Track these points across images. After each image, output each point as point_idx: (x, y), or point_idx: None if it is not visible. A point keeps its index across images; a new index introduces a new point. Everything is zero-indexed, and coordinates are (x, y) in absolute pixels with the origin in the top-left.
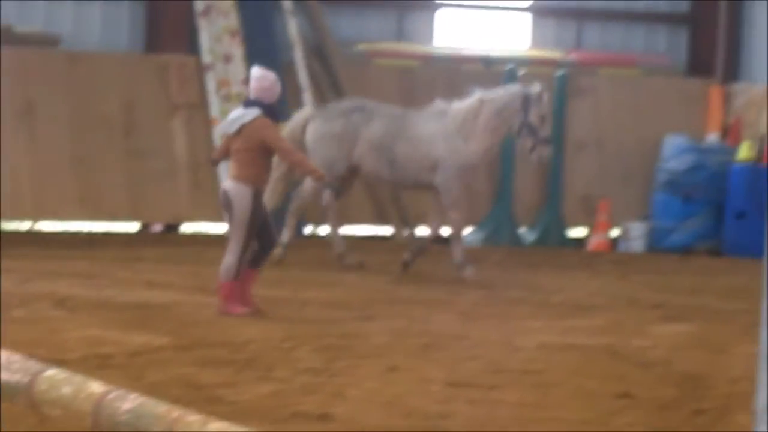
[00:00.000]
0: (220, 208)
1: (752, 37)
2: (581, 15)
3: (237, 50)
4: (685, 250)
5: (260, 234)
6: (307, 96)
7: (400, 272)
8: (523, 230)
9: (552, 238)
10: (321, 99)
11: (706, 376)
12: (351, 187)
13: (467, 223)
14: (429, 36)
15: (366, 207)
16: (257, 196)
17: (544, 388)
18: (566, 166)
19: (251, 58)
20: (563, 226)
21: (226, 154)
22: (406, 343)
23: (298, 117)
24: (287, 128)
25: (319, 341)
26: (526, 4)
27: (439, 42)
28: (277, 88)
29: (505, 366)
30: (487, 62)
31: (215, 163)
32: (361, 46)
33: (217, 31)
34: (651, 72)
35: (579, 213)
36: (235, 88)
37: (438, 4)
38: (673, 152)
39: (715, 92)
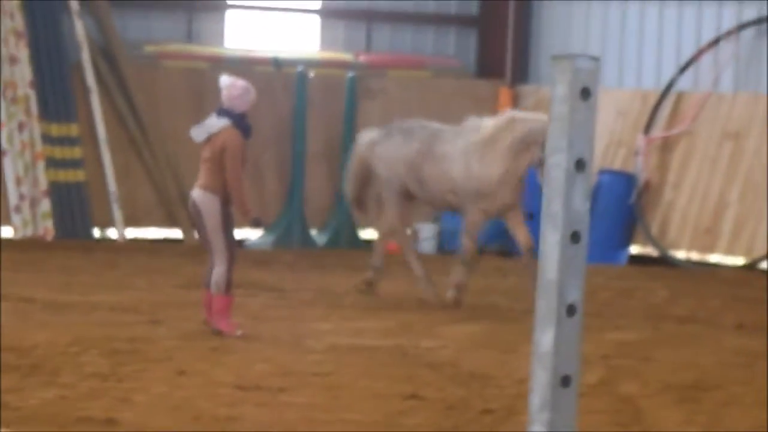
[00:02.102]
0: (191, 217)
1: (540, 39)
2: (370, 17)
3: (23, 52)
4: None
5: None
6: (95, 97)
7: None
8: (314, 232)
9: (343, 240)
10: (109, 101)
11: (494, 376)
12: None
13: (474, 253)
14: (219, 37)
15: (156, 210)
16: (225, 204)
17: (333, 390)
18: None
19: (37, 60)
20: (354, 228)
21: None
22: (195, 347)
23: (363, 140)
24: (355, 152)
25: (106, 345)
26: (316, 6)
27: (230, 43)
28: (249, 96)
29: (295, 368)
30: (278, 64)
31: None
32: (149, 48)
33: (2, 32)
34: (440, 74)
35: (371, 212)
36: (21, 91)
37: (227, 5)
38: None
39: (503, 94)
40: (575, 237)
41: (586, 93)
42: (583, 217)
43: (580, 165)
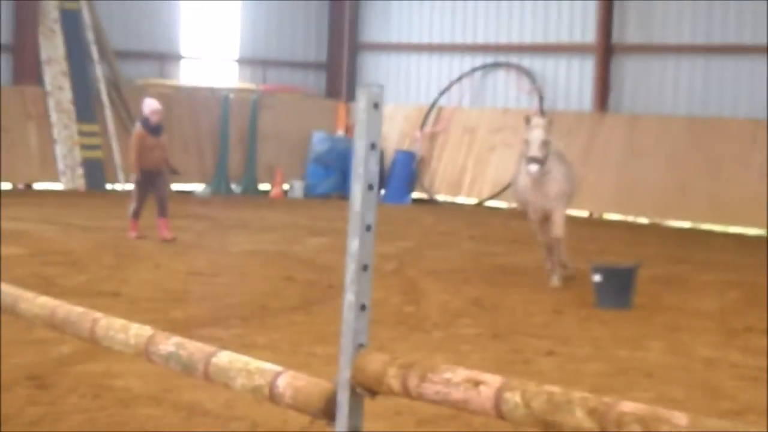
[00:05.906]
0: None
1: (363, 73)
2: (265, 62)
3: (66, 83)
4: (325, 197)
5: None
6: (107, 109)
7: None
8: (233, 185)
9: (250, 190)
10: (115, 111)
11: (337, 266)
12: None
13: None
14: (178, 75)
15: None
16: (141, 173)
17: (244, 275)
18: (258, 147)
19: (75, 87)
20: (257, 182)
21: None
22: (167, 251)
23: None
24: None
25: (114, 250)
26: (236, 57)
27: (184, 78)
28: (150, 107)
29: (221, 262)
30: (213, 90)
31: None
32: (139, 81)
33: (55, 73)
34: (305, 96)
35: (265, 175)
36: (65, 105)
37: (182, 56)
38: (318, 140)
39: (341, 107)
40: (370, 187)
41: (376, 106)
42: (374, 176)
43: (372, 146)
